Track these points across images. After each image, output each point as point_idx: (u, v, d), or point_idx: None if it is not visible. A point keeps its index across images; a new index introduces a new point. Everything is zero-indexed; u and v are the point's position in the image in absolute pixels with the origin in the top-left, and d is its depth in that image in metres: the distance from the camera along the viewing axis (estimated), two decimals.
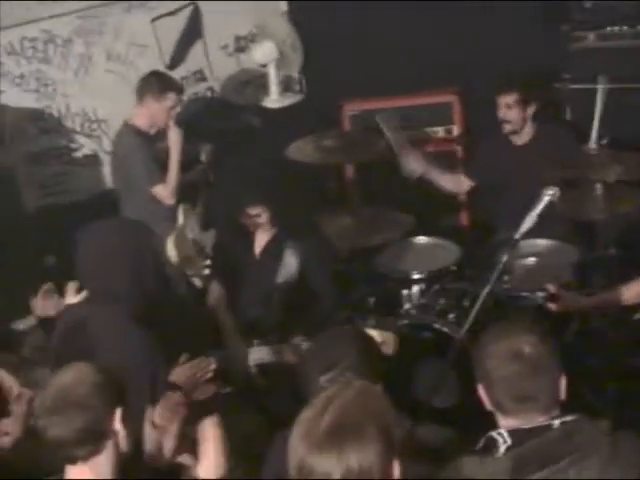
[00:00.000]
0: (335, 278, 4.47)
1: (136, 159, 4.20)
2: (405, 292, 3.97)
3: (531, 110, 4.30)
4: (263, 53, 5.30)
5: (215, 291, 3.46)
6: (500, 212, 4.39)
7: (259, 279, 3.90)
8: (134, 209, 4.25)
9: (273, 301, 3.92)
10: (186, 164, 4.45)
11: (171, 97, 4.28)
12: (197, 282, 4.05)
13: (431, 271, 3.96)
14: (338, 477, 1.67)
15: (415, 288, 3.95)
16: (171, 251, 4.18)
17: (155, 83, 4.28)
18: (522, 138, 4.39)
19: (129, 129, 4.30)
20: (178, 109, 4.39)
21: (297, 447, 1.72)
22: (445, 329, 3.50)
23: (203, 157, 4.55)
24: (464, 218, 5.11)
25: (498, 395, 2.07)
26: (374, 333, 2.82)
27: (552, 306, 3.20)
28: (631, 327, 3.33)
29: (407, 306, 3.90)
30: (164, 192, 4.21)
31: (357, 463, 1.67)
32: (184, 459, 2.10)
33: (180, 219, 4.33)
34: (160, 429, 2.06)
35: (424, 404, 3.43)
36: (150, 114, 4.26)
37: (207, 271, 4.13)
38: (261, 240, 3.97)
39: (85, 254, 2.77)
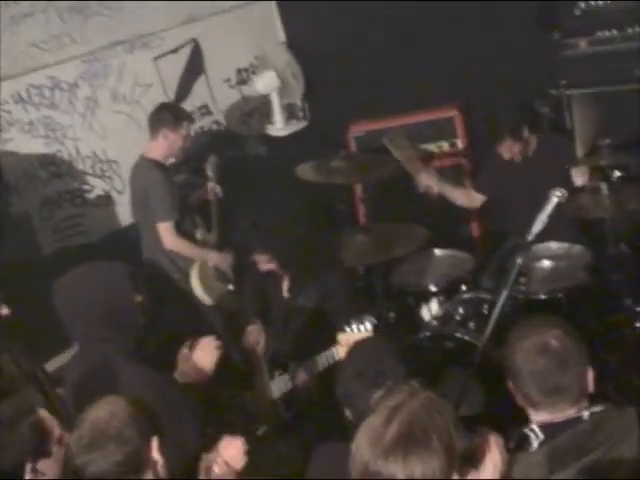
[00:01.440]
0: (354, 295, 4.56)
1: (157, 192, 4.27)
2: (424, 305, 4.03)
3: (526, 134, 4.32)
4: (265, 83, 5.40)
5: (254, 332, 3.49)
6: (510, 220, 4.44)
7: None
8: (153, 241, 4.33)
9: (290, 330, 4.00)
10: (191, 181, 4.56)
11: (186, 125, 4.40)
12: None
13: (448, 282, 4.01)
14: (402, 478, 1.70)
15: (434, 300, 4.00)
16: (195, 282, 4.27)
17: (169, 114, 4.38)
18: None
19: (147, 162, 4.38)
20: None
21: (363, 453, 1.74)
22: (467, 337, 3.54)
23: (209, 170, 4.66)
24: (475, 229, 5.17)
25: (527, 389, 2.12)
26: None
27: None
28: None
29: (427, 318, 3.95)
30: (166, 233, 4.27)
31: (421, 472, 1.70)
32: None
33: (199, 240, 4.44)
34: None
35: None
36: (167, 145, 4.35)
37: (232, 297, 4.24)
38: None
39: (60, 305, 2.76)
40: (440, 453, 1.71)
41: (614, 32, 4.52)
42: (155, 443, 2.07)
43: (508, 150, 4.26)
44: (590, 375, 2.14)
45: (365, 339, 2.53)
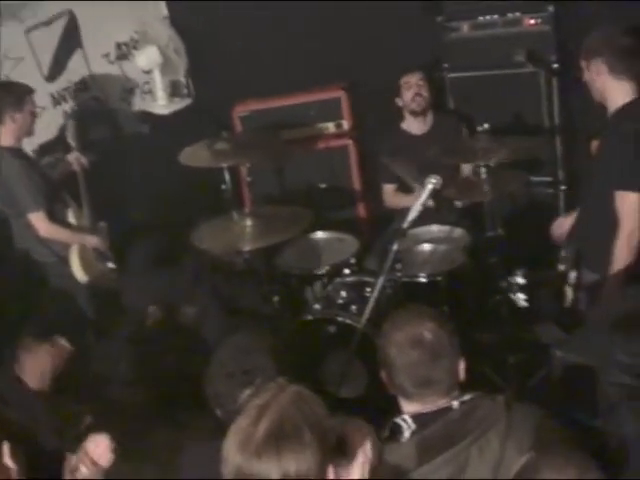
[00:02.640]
0: (238, 279, 4.52)
1: (19, 182, 4.06)
2: (308, 288, 4.03)
3: (432, 98, 4.44)
4: (147, 58, 5.23)
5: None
6: None
7: None
8: (24, 230, 4.16)
9: None
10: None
11: (29, 100, 4.15)
12: None
13: (331, 265, 4.02)
14: (276, 477, 1.68)
15: (317, 283, 4.01)
16: (75, 265, 4.14)
17: (9, 95, 4.12)
18: (422, 127, 4.52)
19: (1, 151, 4.14)
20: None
21: (234, 456, 1.72)
22: (348, 321, 3.56)
23: (69, 138, 4.49)
24: (362, 210, 5.20)
25: (401, 380, 2.15)
26: None
27: None
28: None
29: (311, 302, 3.95)
30: (37, 222, 4.09)
31: (295, 468, 1.69)
32: None
33: (71, 220, 4.28)
34: None
35: (332, 395, 3.51)
36: (17, 127, 4.11)
37: (113, 276, 4.14)
38: None
39: None
40: (314, 447, 1.71)
41: (495, 17, 4.60)
42: (6, 450, 2.00)
43: (415, 86, 4.41)
44: (462, 366, 2.18)
45: (234, 337, 2.47)
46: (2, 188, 4.15)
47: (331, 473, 1.76)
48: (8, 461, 2.00)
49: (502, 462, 1.95)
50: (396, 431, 2.10)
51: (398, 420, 2.12)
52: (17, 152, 4.14)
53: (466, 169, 4.19)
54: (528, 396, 3.29)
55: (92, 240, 4.31)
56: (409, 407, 2.15)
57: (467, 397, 2.12)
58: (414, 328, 2.16)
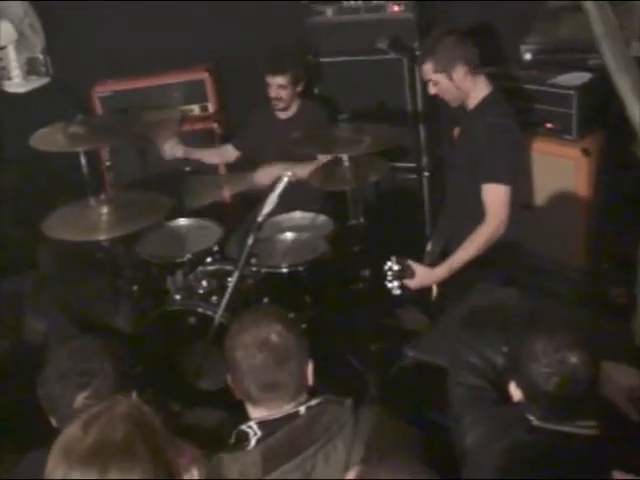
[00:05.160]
0: (99, 267, 4.36)
1: None
2: (169, 277, 3.93)
3: (300, 88, 4.39)
4: (0, 34, 4.97)
5: None
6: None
7: None
8: None
9: None
10: None
11: None
12: None
13: (193, 254, 3.93)
14: None
15: (178, 272, 3.91)
16: None
17: None
18: (287, 113, 4.47)
19: None
20: None
21: (55, 466, 1.62)
22: (208, 312, 3.50)
23: None
24: (226, 195, 5.11)
25: (246, 385, 2.09)
26: None
27: (411, 283, 3.23)
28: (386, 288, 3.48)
29: (172, 292, 3.86)
30: None
31: None
32: None
33: None
34: None
35: (193, 388, 3.46)
36: None
37: None
38: None
39: None
40: (144, 460, 1.62)
41: (359, 2, 4.58)
42: None
43: (276, 87, 4.31)
44: (310, 369, 2.14)
45: (68, 341, 2.36)
46: None
47: None
48: None
49: (348, 468, 1.93)
50: (242, 438, 2.05)
51: (244, 427, 2.07)
52: None
53: (323, 157, 4.17)
54: (389, 385, 3.34)
55: None
56: (255, 413, 2.10)
57: (314, 402, 2.09)
58: (261, 330, 2.10)
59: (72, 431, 1.66)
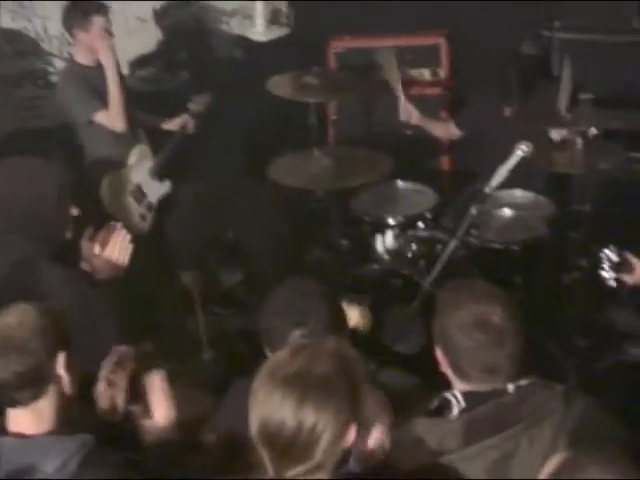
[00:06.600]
0: (310, 218, 4.46)
1: (67, 91, 4.01)
2: (379, 236, 3.94)
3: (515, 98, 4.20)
4: None
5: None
6: (482, 161, 4.33)
7: None
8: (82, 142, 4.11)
9: None
10: (172, 111, 4.32)
11: (97, 20, 3.96)
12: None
13: (406, 217, 3.91)
14: (290, 431, 1.65)
15: (389, 233, 3.91)
16: (104, 191, 4.04)
17: (74, 12, 4.00)
18: None
19: (72, 66, 4.13)
20: (109, 30, 4.05)
21: (260, 386, 1.70)
22: (415, 276, 3.47)
23: (193, 106, 4.30)
24: (445, 163, 5.06)
25: (463, 364, 2.04)
26: (351, 310, 2.81)
27: (628, 279, 2.95)
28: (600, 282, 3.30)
29: (379, 250, 3.87)
30: (108, 118, 3.96)
31: (313, 419, 1.65)
32: (135, 409, 2.09)
33: (132, 159, 4.12)
34: (111, 384, 2.04)
35: (389, 349, 3.46)
36: (85, 48, 4.02)
37: (141, 220, 4.03)
38: None
39: None
40: (340, 399, 1.67)
41: None
42: (62, 359, 2.00)
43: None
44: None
45: (291, 280, 2.43)
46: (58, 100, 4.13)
47: (353, 433, 1.71)
48: (61, 371, 2.00)
49: (551, 456, 1.85)
50: (444, 406, 2.02)
51: (448, 395, 2.03)
52: (81, 66, 4.08)
53: (555, 133, 3.97)
54: (592, 382, 3.19)
55: (138, 175, 4.13)
56: (461, 385, 2.05)
57: (524, 382, 2.02)
58: (481, 309, 2.02)
59: (281, 355, 1.74)
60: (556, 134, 3.93)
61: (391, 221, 3.90)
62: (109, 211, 4.00)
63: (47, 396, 1.99)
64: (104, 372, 2.06)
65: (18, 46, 4.70)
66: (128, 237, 2.76)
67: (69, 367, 2.01)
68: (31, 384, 1.96)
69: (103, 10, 4.03)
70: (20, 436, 1.97)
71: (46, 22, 4.72)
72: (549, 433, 1.93)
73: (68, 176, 2.80)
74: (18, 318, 1.98)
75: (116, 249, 2.73)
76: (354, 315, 3.02)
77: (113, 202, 4.04)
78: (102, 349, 2.16)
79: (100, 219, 3.15)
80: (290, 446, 1.66)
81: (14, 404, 1.98)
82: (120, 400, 2.03)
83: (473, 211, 2.83)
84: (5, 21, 4.62)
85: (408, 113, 4.38)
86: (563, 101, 3.97)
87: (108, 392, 2.03)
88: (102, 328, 2.55)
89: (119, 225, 2.79)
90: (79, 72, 4.05)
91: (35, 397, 1.97)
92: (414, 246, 3.71)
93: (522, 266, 3.58)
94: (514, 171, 3.08)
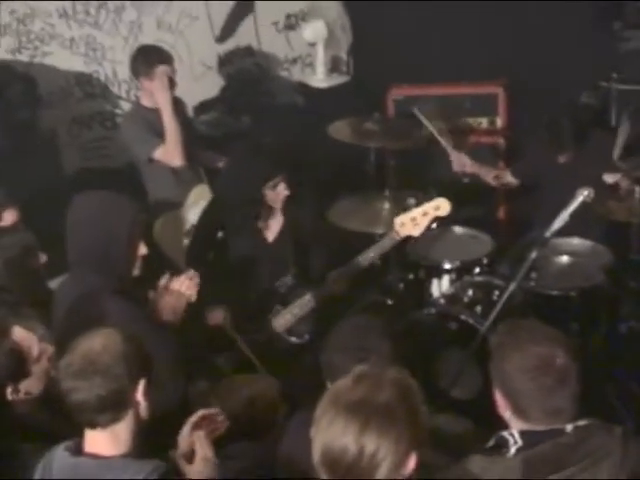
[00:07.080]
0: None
1: (129, 131, 4.14)
2: (435, 280, 3.97)
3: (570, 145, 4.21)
4: (313, 32, 5.29)
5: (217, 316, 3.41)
6: (539, 211, 4.35)
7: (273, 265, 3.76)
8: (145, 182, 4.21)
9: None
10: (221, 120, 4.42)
11: (161, 70, 4.04)
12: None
13: (463, 262, 3.94)
14: (351, 456, 1.67)
15: (445, 277, 3.94)
16: (157, 232, 4.03)
17: (141, 60, 4.11)
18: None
19: (137, 108, 4.27)
20: (171, 81, 4.11)
21: (324, 412, 1.73)
22: (471, 321, 3.49)
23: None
24: (501, 211, 5.08)
25: (526, 406, 2.04)
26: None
27: None
28: None
29: (436, 295, 3.89)
30: (165, 154, 4.04)
31: (375, 445, 1.67)
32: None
33: (190, 199, 4.17)
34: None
35: (444, 394, 3.46)
36: (149, 94, 4.11)
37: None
38: (274, 226, 3.74)
39: (66, 224, 2.78)
40: (402, 427, 1.69)
41: None
42: (142, 386, 2.06)
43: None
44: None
45: (356, 316, 2.49)
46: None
47: (412, 462, 1.72)
48: (140, 397, 2.06)
49: None
50: (502, 444, 2.03)
51: (505, 434, 2.04)
52: (145, 109, 4.17)
53: (609, 177, 3.96)
54: None
55: (196, 215, 4.05)
56: (519, 424, 2.06)
57: (582, 423, 2.02)
58: (542, 351, 2.03)
59: (344, 382, 1.78)
60: (609, 178, 3.93)
61: (447, 265, 3.94)
62: (164, 251, 4.08)
63: (125, 420, 2.05)
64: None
65: (88, 89, 4.87)
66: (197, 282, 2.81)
67: (147, 394, 2.08)
68: (112, 408, 2.02)
69: (167, 59, 4.14)
70: (96, 457, 2.03)
71: (116, 66, 4.89)
72: (607, 475, 1.93)
73: (141, 214, 2.84)
74: (103, 342, 2.04)
75: (185, 295, 2.78)
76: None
77: (167, 242, 4.08)
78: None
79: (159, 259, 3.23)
80: (351, 471, 1.68)
81: (94, 426, 2.04)
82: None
83: (533, 255, 2.84)
84: (77, 64, 4.80)
85: (461, 163, 4.43)
86: (619, 150, 3.99)
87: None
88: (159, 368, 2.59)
89: (193, 272, 2.83)
90: (142, 113, 4.18)
91: (114, 420, 2.03)
92: (470, 291, 3.73)
93: (579, 313, 3.58)
94: (573, 218, 3.10)
